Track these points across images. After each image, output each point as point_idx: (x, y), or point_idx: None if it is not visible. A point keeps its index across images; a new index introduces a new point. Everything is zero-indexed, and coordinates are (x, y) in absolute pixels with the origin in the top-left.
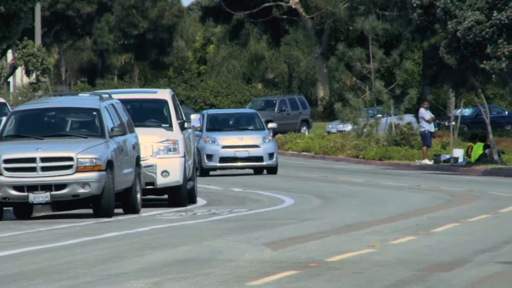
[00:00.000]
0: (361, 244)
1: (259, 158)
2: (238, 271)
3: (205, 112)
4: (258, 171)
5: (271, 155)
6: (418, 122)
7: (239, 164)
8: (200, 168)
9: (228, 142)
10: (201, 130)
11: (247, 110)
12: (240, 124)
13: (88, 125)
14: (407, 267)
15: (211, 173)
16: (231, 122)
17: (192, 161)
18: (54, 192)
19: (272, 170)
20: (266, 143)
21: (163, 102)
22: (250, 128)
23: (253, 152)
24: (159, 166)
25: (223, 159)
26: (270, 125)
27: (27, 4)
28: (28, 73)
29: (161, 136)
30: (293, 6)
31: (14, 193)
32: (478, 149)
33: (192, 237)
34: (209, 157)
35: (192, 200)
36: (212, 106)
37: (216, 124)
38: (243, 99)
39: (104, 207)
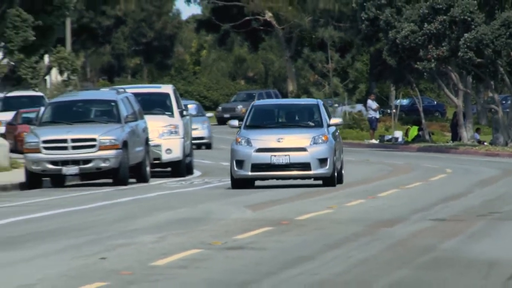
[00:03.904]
0: (322, 206)
1: (305, 166)
2: (226, 227)
3: (253, 103)
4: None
5: (322, 162)
6: (367, 110)
7: (276, 173)
8: (231, 178)
9: (264, 143)
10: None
11: (306, 100)
12: (292, 118)
13: (108, 113)
14: (358, 224)
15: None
16: (280, 116)
17: (190, 141)
18: (81, 166)
19: (327, 181)
20: (317, 145)
21: (166, 95)
22: (302, 124)
23: (295, 157)
24: (164, 145)
25: (256, 167)
26: (333, 120)
27: (59, 18)
28: (61, 72)
29: (165, 121)
30: (268, 19)
31: (50, 166)
32: (413, 131)
33: (190, 201)
34: (239, 163)
35: (190, 172)
36: (205, 98)
37: (261, 119)
38: (229, 93)
39: (121, 177)
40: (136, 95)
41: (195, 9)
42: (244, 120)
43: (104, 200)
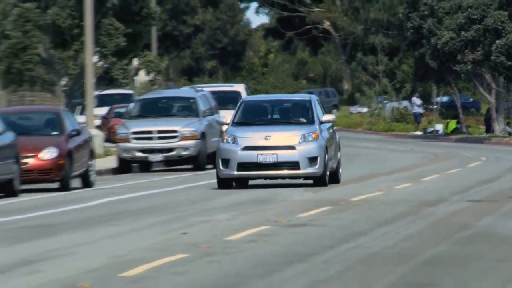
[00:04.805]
0: (374, 188)
1: (293, 165)
2: (291, 207)
3: (243, 99)
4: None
5: (312, 160)
6: (412, 106)
7: (263, 173)
8: (217, 177)
9: (251, 141)
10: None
11: (298, 96)
12: (283, 115)
13: (188, 108)
14: (405, 204)
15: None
16: (270, 113)
17: None
18: (165, 154)
19: (317, 180)
20: (307, 142)
21: (238, 93)
22: (292, 121)
23: (284, 155)
24: None
25: (242, 166)
26: (326, 117)
27: (147, 27)
28: (147, 73)
29: None
30: (326, 27)
31: (138, 154)
32: (452, 124)
33: (259, 185)
34: (225, 162)
35: None
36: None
37: (250, 116)
38: (293, 91)
39: (200, 164)
40: (212, 93)
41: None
42: (232, 116)
43: (185, 183)
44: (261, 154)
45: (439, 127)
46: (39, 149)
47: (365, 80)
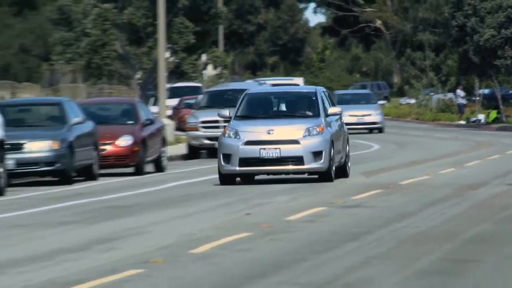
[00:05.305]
0: (421, 173)
1: (297, 159)
2: (345, 190)
3: (246, 91)
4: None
5: (317, 155)
6: (456, 97)
7: (266, 168)
8: (219, 173)
9: (253, 135)
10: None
11: (304, 88)
12: (287, 108)
13: None
14: (449, 187)
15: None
16: (274, 106)
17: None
18: None
19: (322, 176)
20: (312, 136)
21: (297, 85)
22: (296, 114)
23: (287, 150)
24: None
25: (244, 161)
26: (332, 110)
27: (214, 25)
28: (215, 68)
29: None
30: (378, 26)
31: (206, 141)
32: (493, 114)
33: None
34: (226, 158)
35: None
36: (328, 88)
37: (253, 109)
38: (347, 84)
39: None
40: (273, 85)
41: (321, 18)
42: (235, 109)
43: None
44: (264, 149)
45: (481, 116)
46: (116, 137)
47: (413, 74)
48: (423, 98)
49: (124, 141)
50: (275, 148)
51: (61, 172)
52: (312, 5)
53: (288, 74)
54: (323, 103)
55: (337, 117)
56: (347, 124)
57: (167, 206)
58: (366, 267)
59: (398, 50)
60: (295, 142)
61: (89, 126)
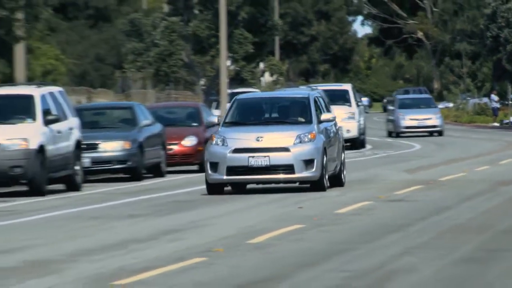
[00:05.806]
0: (458, 170)
1: (287, 168)
2: (389, 186)
3: (236, 97)
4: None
5: (308, 163)
6: (490, 101)
7: (254, 177)
8: (206, 182)
9: (241, 143)
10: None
11: (296, 93)
12: (278, 114)
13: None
14: (484, 183)
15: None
16: (264, 112)
17: (364, 123)
18: None
19: (314, 185)
20: (303, 144)
21: (346, 91)
22: (287, 120)
23: (277, 158)
24: (345, 127)
25: (231, 170)
26: (325, 116)
27: (271, 36)
28: (271, 75)
29: (345, 110)
30: (419, 37)
31: None
32: None
33: (363, 167)
34: (214, 166)
35: (363, 146)
36: (374, 93)
37: (242, 115)
38: (391, 89)
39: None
40: (324, 91)
41: (368, 30)
42: (224, 116)
43: None
44: (252, 157)
45: None
46: (182, 137)
47: (452, 80)
48: (460, 102)
49: (189, 141)
50: (264, 156)
51: (132, 169)
52: (360, 18)
53: (338, 80)
54: (316, 109)
55: (332, 123)
56: (408, 127)
57: (227, 201)
58: (409, 256)
59: (438, 58)
60: (285, 149)
61: (157, 127)
